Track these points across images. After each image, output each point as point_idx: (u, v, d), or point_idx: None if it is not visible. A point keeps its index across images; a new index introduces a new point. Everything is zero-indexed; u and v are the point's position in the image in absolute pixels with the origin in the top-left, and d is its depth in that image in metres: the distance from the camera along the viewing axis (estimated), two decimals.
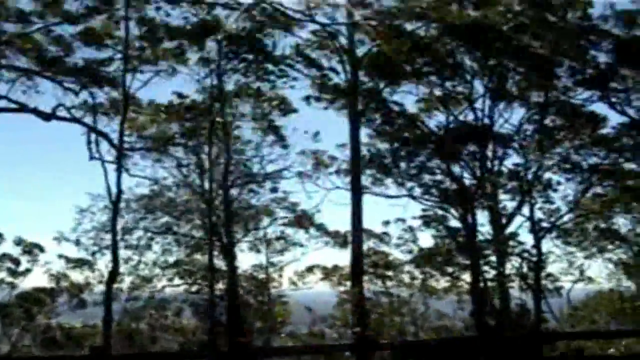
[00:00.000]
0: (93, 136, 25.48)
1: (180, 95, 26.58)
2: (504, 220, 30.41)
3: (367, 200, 29.16)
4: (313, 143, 29.20)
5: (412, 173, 29.92)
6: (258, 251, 30.03)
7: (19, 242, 28.27)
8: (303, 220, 29.95)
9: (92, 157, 25.32)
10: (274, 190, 29.68)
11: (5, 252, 27.90)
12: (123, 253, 27.38)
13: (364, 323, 24.11)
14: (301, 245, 30.35)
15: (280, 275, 29.97)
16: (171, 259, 28.81)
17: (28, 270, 28.31)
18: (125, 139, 26.32)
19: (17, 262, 28.10)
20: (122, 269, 26.99)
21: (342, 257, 31.47)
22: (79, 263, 28.39)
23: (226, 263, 27.31)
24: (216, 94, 26.90)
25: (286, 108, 28.13)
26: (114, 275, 23.76)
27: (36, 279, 28.61)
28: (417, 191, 30.48)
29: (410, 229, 32.00)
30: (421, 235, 32.04)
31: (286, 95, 28.76)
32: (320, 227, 30.69)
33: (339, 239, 30.65)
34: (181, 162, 28.27)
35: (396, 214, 31.86)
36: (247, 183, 29.09)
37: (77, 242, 27.63)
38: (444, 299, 31.88)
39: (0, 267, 28.16)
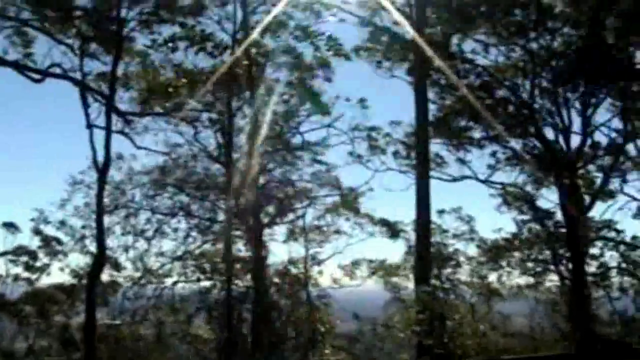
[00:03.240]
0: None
1: (182, 25, 20.02)
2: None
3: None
4: (361, 117, 23.80)
5: (493, 136, 23.63)
6: (294, 240, 24.02)
7: (37, 231, 24.58)
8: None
9: (90, 125, 19.54)
10: (315, 161, 23.65)
11: (21, 244, 25.27)
12: (124, 239, 22.59)
13: (435, 331, 17.74)
14: (347, 235, 24.52)
15: (320, 272, 24.06)
16: (184, 248, 22.86)
17: (47, 266, 25.37)
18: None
19: (34, 256, 25.27)
20: (122, 259, 22.59)
21: (387, 250, 25.80)
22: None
23: (253, 253, 21.11)
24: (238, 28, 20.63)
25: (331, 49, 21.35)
26: (98, 265, 17.82)
27: (57, 274, 25.46)
28: (497, 163, 24.21)
29: (469, 220, 26.83)
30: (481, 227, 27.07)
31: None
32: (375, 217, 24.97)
33: (396, 230, 25.30)
34: (196, 121, 22.48)
35: (454, 203, 27.66)
36: (279, 150, 23.15)
37: (62, 223, 22.54)
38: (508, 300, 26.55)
39: (16, 261, 25.51)
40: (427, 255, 21.41)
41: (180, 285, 22.56)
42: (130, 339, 21.21)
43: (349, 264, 24.94)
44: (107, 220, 21.71)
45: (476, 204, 26.35)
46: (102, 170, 17.97)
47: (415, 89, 23.80)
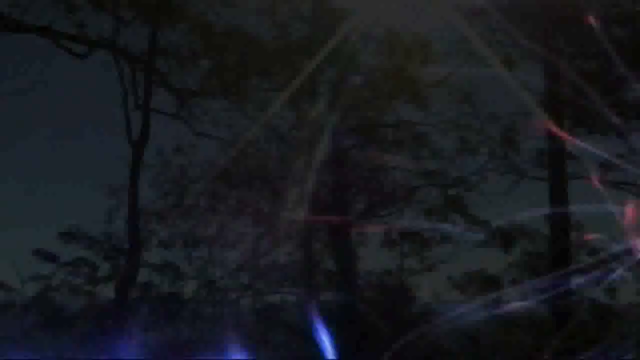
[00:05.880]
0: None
1: None
2: None
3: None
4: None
5: None
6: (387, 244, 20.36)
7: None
8: None
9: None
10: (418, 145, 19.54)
11: (80, 255, 22.89)
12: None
13: None
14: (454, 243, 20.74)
15: (418, 285, 20.66)
16: (251, 255, 19.37)
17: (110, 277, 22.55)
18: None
19: (94, 267, 22.84)
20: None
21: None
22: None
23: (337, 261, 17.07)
24: None
25: None
26: (128, 277, 13.71)
27: None
28: None
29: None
30: None
31: None
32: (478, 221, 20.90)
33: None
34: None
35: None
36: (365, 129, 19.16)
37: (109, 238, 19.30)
38: None
39: (77, 273, 23.19)
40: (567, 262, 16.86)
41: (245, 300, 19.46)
42: None
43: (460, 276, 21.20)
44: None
45: None
46: (137, 145, 13.99)
47: (544, 59, 18.86)
